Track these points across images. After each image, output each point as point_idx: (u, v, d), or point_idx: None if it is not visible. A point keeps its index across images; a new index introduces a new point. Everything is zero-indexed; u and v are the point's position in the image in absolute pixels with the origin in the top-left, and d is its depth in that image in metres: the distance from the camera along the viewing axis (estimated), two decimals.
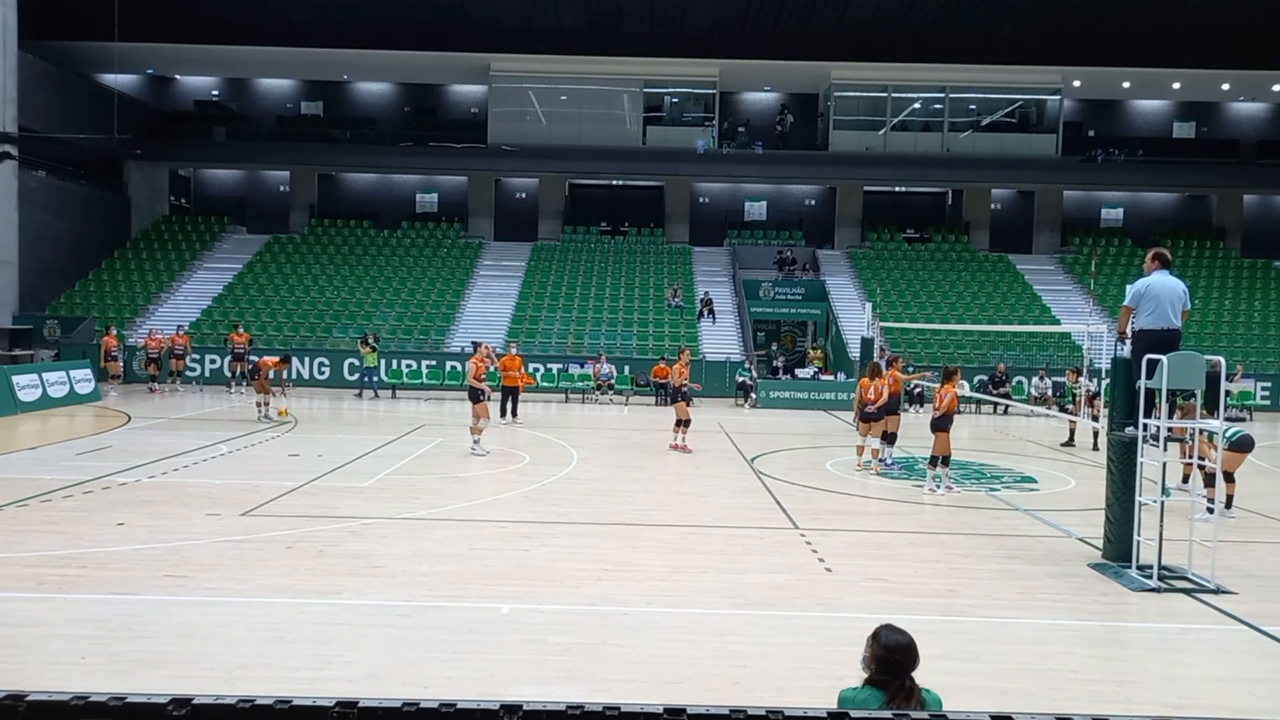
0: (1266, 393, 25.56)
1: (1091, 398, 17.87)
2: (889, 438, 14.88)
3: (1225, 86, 34.78)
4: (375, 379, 24.41)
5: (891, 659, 3.36)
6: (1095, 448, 17.65)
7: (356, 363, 26.14)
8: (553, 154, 34.10)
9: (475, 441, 14.97)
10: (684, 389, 15.83)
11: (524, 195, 37.23)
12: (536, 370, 25.84)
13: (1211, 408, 18.36)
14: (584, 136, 34.24)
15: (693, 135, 34.82)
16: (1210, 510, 10.29)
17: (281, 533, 9.33)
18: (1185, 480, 11.47)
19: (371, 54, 32.95)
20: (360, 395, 24.09)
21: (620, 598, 7.49)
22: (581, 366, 25.97)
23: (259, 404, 18.70)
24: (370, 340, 24.35)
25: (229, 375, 24.66)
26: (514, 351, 20.48)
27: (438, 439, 16.71)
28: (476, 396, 15.04)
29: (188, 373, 25.48)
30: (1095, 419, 15.77)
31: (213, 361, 25.91)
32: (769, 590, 7.83)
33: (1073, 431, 18.29)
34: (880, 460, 14.62)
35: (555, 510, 10.80)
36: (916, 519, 11.13)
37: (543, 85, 34.66)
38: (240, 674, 5.77)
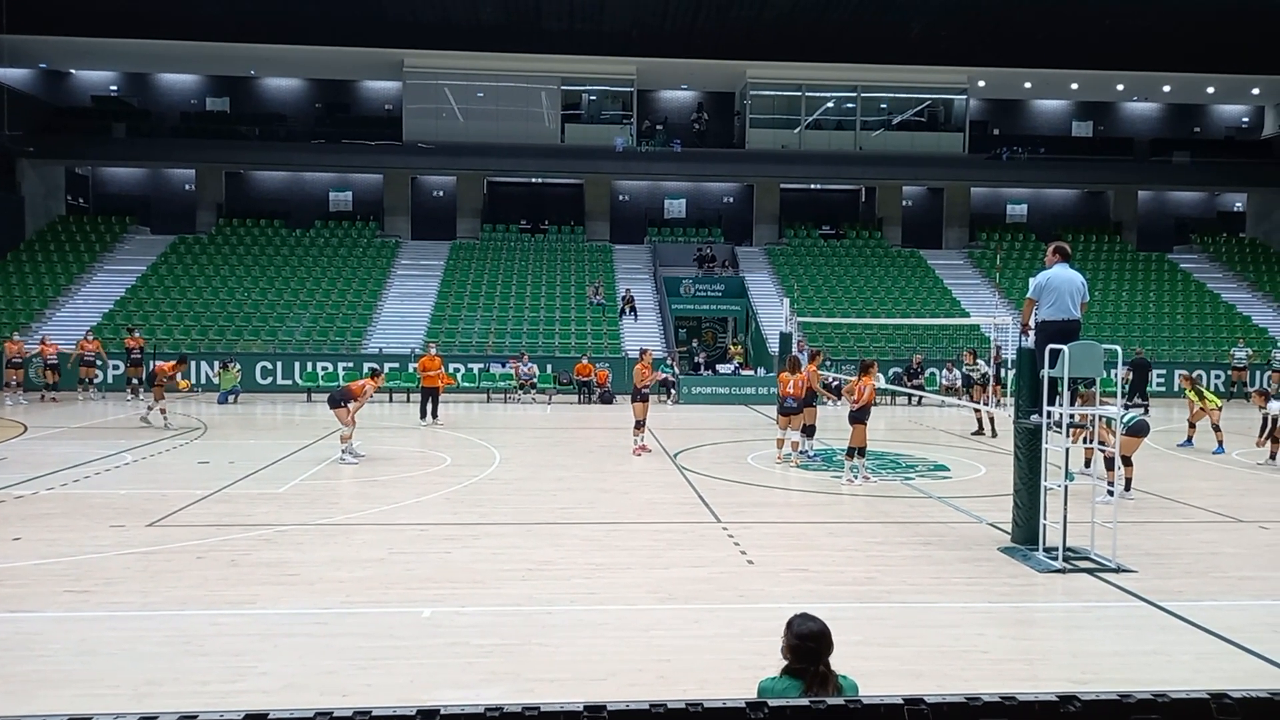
0: (1162, 379, 26.80)
1: (985, 384, 18.53)
2: (808, 430, 15.16)
3: (1120, 87, 36.35)
4: (236, 392, 23.56)
5: (804, 647, 3.43)
6: (980, 432, 18.26)
7: (270, 366, 25.47)
8: (470, 151, 33.71)
9: (345, 449, 14.15)
10: (641, 389, 15.58)
11: (441, 193, 36.72)
12: (457, 370, 25.52)
13: (1134, 392, 19.12)
14: (502, 134, 33.95)
15: (611, 133, 34.83)
16: (1110, 493, 10.76)
17: (191, 543, 9.03)
18: (1087, 464, 11.95)
19: (281, 49, 32.04)
20: (228, 402, 23.18)
21: (544, 597, 7.46)
22: (503, 366, 25.76)
23: (162, 410, 17.89)
24: (230, 366, 23.80)
25: (128, 381, 23.71)
26: (433, 352, 20.19)
27: (356, 442, 16.35)
28: (337, 402, 14.23)
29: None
30: (983, 404, 16.36)
31: (115, 368, 24.89)
32: (692, 584, 7.89)
33: (980, 421, 18.77)
34: (801, 453, 14.88)
35: (478, 511, 10.70)
36: (835, 509, 11.36)
37: (459, 82, 34.24)
38: (147, 690, 5.57)
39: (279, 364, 25.71)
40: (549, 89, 34.69)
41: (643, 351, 16.46)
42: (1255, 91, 36.74)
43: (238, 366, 24.17)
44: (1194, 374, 19.61)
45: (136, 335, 24.12)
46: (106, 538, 9.18)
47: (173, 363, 18.78)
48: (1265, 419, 14.79)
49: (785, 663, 3.52)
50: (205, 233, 33.81)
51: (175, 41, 31.35)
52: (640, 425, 15.45)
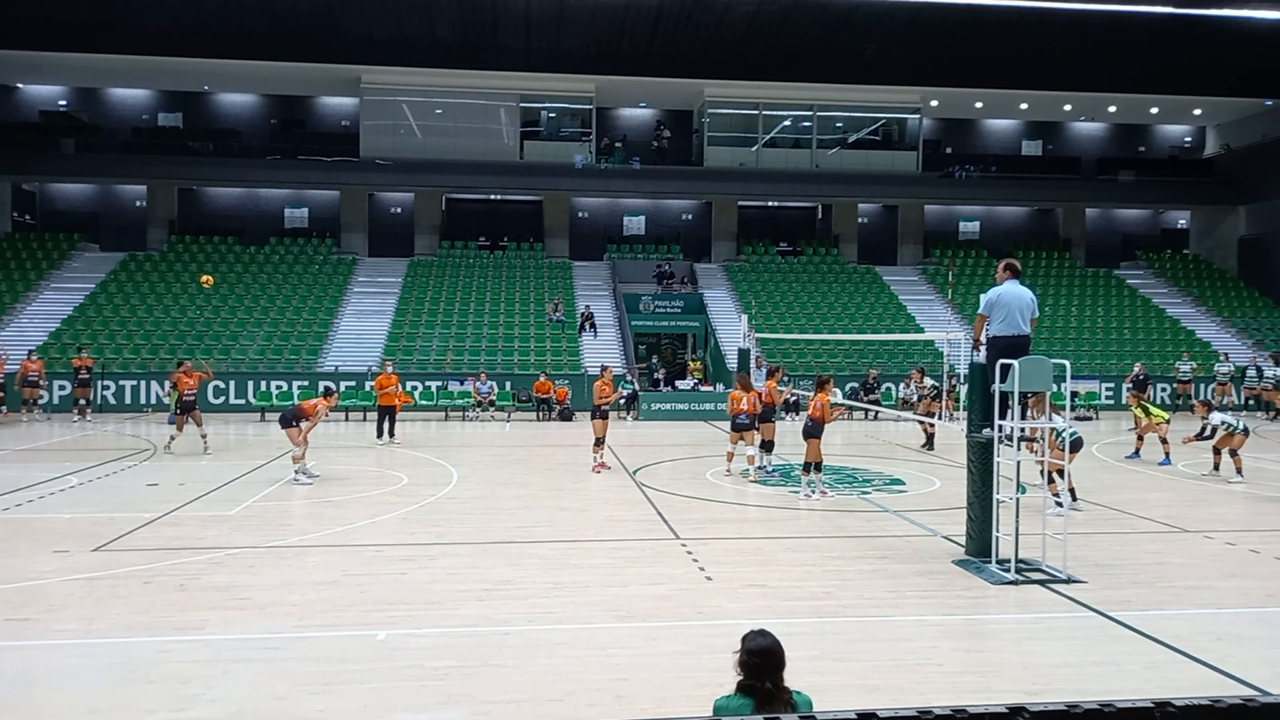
0: (1110, 393, 27.37)
1: (933, 399, 18.83)
2: (766, 446, 15.27)
3: (1067, 107, 37.23)
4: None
5: (753, 663, 3.45)
6: (928, 447, 18.51)
7: (222, 385, 25.03)
8: (428, 168, 33.55)
9: (298, 470, 13.90)
10: (602, 406, 15.46)
11: (399, 210, 36.47)
12: (414, 389, 25.29)
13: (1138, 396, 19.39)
14: (460, 150, 33.84)
15: (570, 150, 34.90)
16: (1059, 504, 10.97)
17: (138, 567, 8.82)
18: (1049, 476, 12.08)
19: (235, 64, 31.66)
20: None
21: (501, 617, 7.40)
22: (461, 383, 25.57)
23: (202, 435, 17.54)
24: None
25: (75, 402, 23.13)
26: (390, 370, 19.98)
27: (310, 462, 16.10)
28: (288, 421, 14.03)
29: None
30: (937, 417, 16.60)
31: (61, 388, 24.30)
32: (651, 601, 7.88)
33: (926, 434, 18.99)
34: (760, 468, 14.97)
35: (434, 531, 10.58)
36: (793, 524, 11.42)
37: (417, 98, 34.11)
38: (90, 719, 5.41)
39: (232, 383, 25.29)
40: (508, 106, 34.69)
41: (603, 368, 16.47)
42: (1197, 112, 37.85)
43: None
44: (1131, 385, 20.13)
45: (85, 355, 23.57)
46: (49, 563, 8.94)
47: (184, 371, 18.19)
48: (1204, 427, 15.16)
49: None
50: (156, 250, 33.21)
51: (126, 56, 30.85)
52: (600, 443, 15.40)
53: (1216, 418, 14.96)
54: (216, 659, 6.46)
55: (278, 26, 29.22)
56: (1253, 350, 30.23)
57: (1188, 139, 40.32)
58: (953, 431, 17.93)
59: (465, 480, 14.32)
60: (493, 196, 36.79)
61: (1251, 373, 27.26)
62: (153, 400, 24.72)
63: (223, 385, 25.14)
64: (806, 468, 12.90)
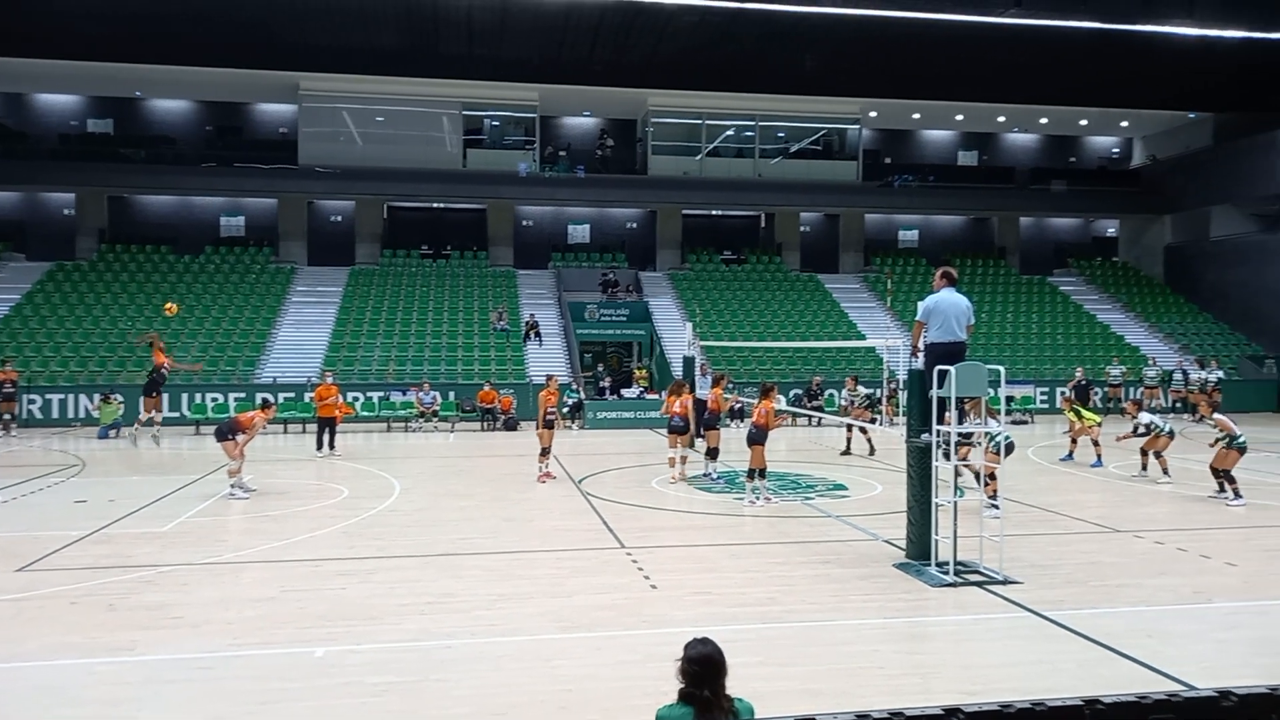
0: (1045, 397, 28.07)
1: (866, 406, 19.21)
2: (712, 453, 15.36)
3: (1001, 119, 38.19)
4: (118, 426, 22.34)
5: (693, 671, 3.46)
6: (846, 451, 18.86)
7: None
8: (369, 176, 33.13)
9: (234, 484, 13.57)
10: (548, 415, 15.33)
11: (339, 218, 35.93)
12: (355, 400, 24.90)
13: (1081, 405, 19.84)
14: (402, 158, 33.48)
15: (514, 158, 34.76)
16: (996, 505, 11.23)
17: (65, 587, 8.52)
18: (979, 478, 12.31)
19: (168, 69, 30.92)
20: (109, 437, 21.94)
21: (443, 631, 7.31)
22: (404, 394, 25.24)
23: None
24: (112, 399, 22.68)
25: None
26: (330, 381, 19.65)
27: (247, 475, 15.74)
28: (224, 434, 13.70)
29: None
30: (874, 423, 16.92)
31: None
32: (596, 611, 7.85)
33: (868, 442, 19.24)
34: (705, 474, 15.06)
35: (375, 545, 10.42)
36: (738, 531, 11.48)
37: (357, 105, 33.68)
38: None
39: (165, 396, 24.55)
40: (450, 114, 34.44)
41: (549, 378, 16.36)
42: (1124, 124, 39.13)
43: (120, 399, 23.02)
44: (1071, 391, 20.75)
45: (8, 368, 22.76)
46: None
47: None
48: (1135, 426, 15.63)
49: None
50: (86, 259, 32.22)
51: (53, 61, 29.93)
52: (546, 452, 15.32)
53: (1145, 417, 15.43)
54: (148, 680, 6.27)
55: (212, 32, 28.60)
56: (1179, 355, 31.30)
57: (1116, 150, 41.63)
58: (893, 436, 18.23)
59: (407, 492, 14.13)
60: (435, 205, 36.47)
61: (1178, 376, 28.21)
62: (81, 414, 23.96)
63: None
64: (751, 474, 12.99)
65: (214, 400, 24.41)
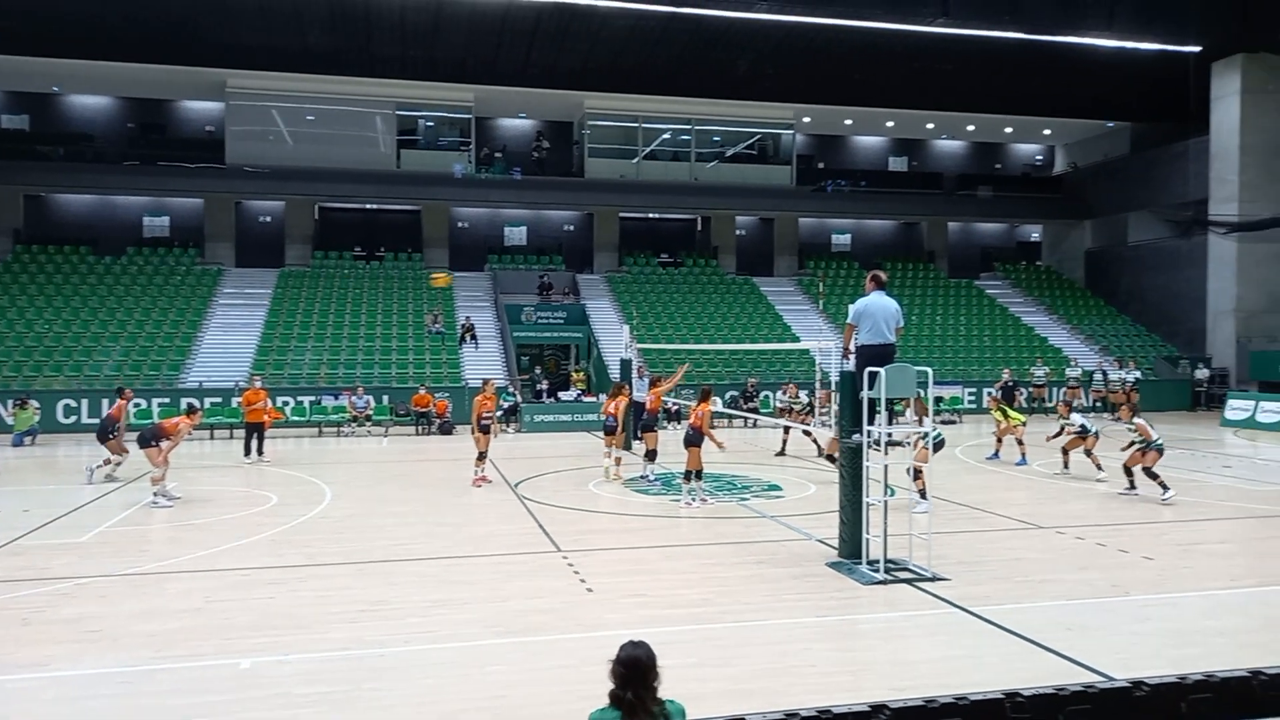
0: (972, 397, 28.79)
1: (804, 412, 19.57)
2: (650, 455, 15.37)
3: (930, 126, 39.10)
4: (34, 433, 21.52)
5: (620, 673, 3.49)
6: (830, 457, 19.11)
7: (74, 404, 23.55)
8: (300, 176, 32.47)
9: (157, 492, 13.18)
10: (483, 419, 15.12)
11: (269, 219, 35.14)
12: (285, 404, 24.37)
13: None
14: (334, 158, 32.91)
15: (449, 159, 34.43)
16: (924, 497, 11.57)
17: None
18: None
19: (88, 64, 29.88)
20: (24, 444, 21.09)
21: (376, 639, 7.19)
22: (336, 398, 24.80)
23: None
24: (28, 404, 21.83)
25: None
26: (258, 385, 19.20)
27: (171, 483, 15.30)
28: (147, 441, 13.35)
29: None
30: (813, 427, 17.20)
31: None
32: (531, 616, 7.81)
33: (815, 443, 19.55)
34: (642, 477, 15.10)
35: (305, 552, 10.21)
36: (674, 533, 11.53)
37: (287, 104, 32.99)
38: None
39: (84, 401, 23.79)
40: (384, 114, 33.96)
41: (485, 381, 16.19)
42: (1046, 132, 40.38)
43: (36, 405, 22.17)
44: (999, 392, 21.35)
45: None
46: None
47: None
48: (1062, 427, 16.13)
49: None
50: (0, 260, 31.01)
51: None
52: (482, 457, 15.19)
53: (1077, 419, 15.91)
54: (65, 697, 6.05)
55: (135, 27, 27.76)
56: (1099, 356, 32.40)
57: (1039, 158, 42.94)
58: (824, 438, 18.49)
59: (339, 498, 13.88)
60: (369, 206, 35.92)
61: (1099, 377, 29.19)
62: None
63: (74, 404, 23.69)
64: (687, 476, 13.07)
65: (136, 406, 23.64)
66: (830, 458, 12.17)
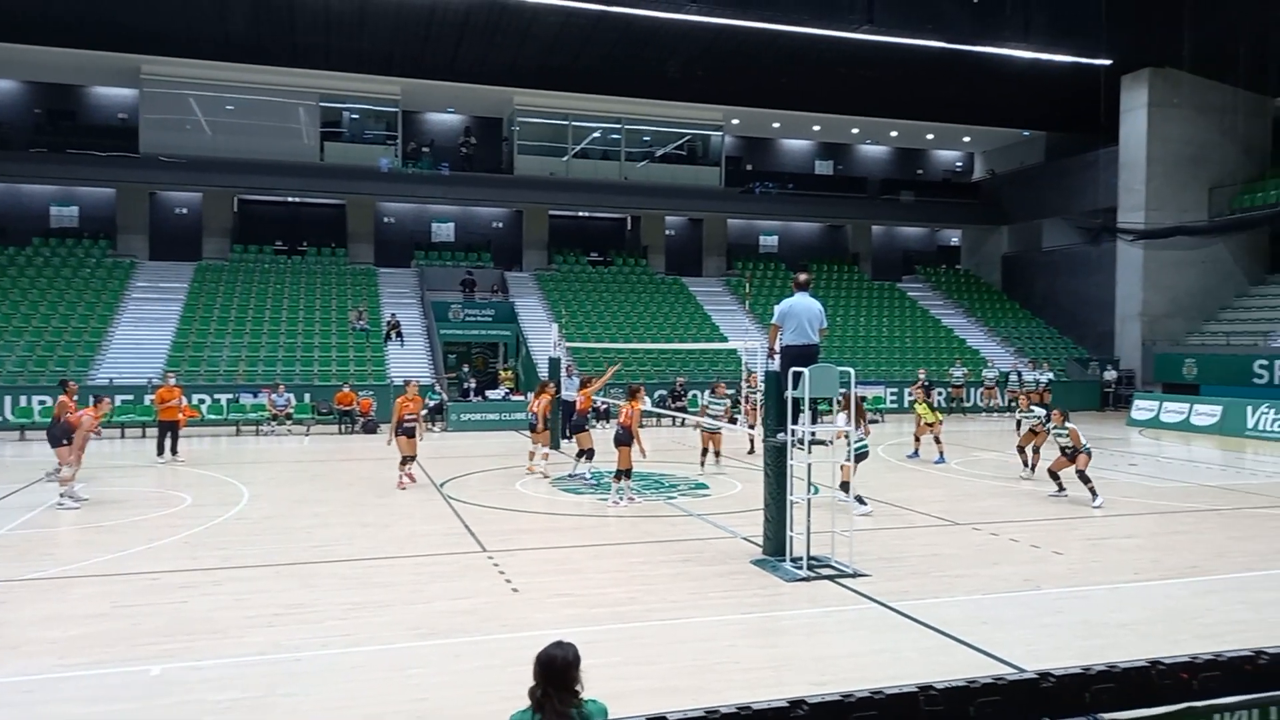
0: (894, 397, 29.46)
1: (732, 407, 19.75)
2: (586, 454, 15.20)
3: (854, 130, 39.86)
4: None
5: (538, 672, 3.52)
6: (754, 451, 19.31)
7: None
8: (218, 167, 31.50)
9: (64, 493, 12.71)
10: (406, 422, 14.61)
11: (185, 210, 34.01)
12: (202, 402, 23.64)
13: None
14: (255, 149, 32.02)
15: (375, 153, 33.81)
16: (862, 501, 11.85)
17: None
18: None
19: None
20: None
21: (293, 643, 7.02)
22: (255, 396, 24.14)
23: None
24: None
25: None
26: (172, 382, 18.58)
27: (79, 484, 14.69)
28: (58, 439, 12.92)
29: None
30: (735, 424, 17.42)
31: None
32: (455, 617, 7.72)
33: (750, 440, 19.68)
34: (577, 475, 15.03)
35: (220, 555, 9.91)
36: (601, 532, 11.53)
37: (206, 92, 31.98)
38: None
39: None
40: (307, 105, 33.18)
41: (407, 383, 15.63)
42: (966, 139, 41.54)
43: None
44: (927, 384, 21.88)
45: None
46: None
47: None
48: (1019, 421, 16.45)
49: None
50: None
51: None
52: (407, 461, 14.49)
53: (1039, 410, 16.11)
54: None
55: (44, 8, 26.57)
56: (1014, 357, 33.46)
57: (959, 164, 44.14)
58: (753, 435, 18.69)
59: (257, 499, 13.51)
60: (291, 199, 35.03)
61: (1014, 377, 30.13)
62: None
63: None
64: (618, 475, 13.06)
65: (40, 403, 22.67)
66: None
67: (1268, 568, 9.62)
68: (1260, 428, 22.70)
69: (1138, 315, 31.71)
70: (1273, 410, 22.67)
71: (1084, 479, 13.27)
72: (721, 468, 16.98)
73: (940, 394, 28.32)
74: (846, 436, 11.64)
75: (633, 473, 13.45)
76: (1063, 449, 13.79)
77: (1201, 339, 30.49)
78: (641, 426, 13.36)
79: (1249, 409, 23.26)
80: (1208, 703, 3.63)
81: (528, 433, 15.74)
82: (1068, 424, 13.79)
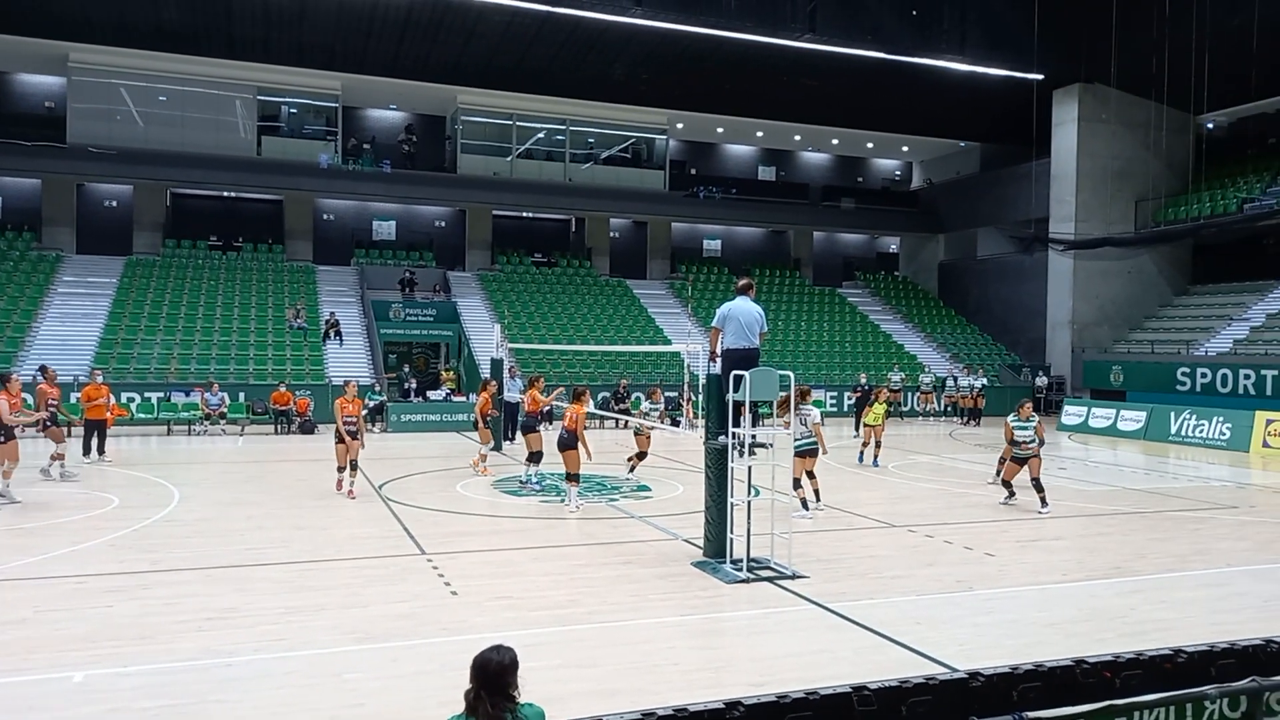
0: (834, 401, 29.89)
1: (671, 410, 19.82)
2: (534, 457, 14.92)
3: (797, 137, 40.38)
4: None
5: (473, 675, 3.54)
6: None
7: None
8: (150, 159, 30.64)
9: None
10: (348, 424, 14.17)
11: (114, 203, 33.02)
12: (131, 400, 22.98)
13: (857, 419, 20.63)
14: (189, 142, 31.23)
15: (314, 149, 33.22)
16: (805, 504, 12.03)
17: None
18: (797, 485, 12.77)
19: None
20: None
21: (225, 648, 6.86)
22: (187, 395, 23.54)
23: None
24: None
25: None
26: (99, 380, 18.02)
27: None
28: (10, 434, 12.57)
29: None
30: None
31: None
32: (392, 621, 7.62)
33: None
34: (524, 480, 14.80)
35: (149, 558, 9.64)
36: (542, 534, 11.49)
37: (138, 83, 31.09)
38: None
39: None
40: (244, 98, 32.47)
41: (346, 383, 14.92)
42: (905, 149, 42.36)
43: None
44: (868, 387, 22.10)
45: None
46: None
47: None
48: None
49: None
50: None
51: None
52: (344, 468, 13.68)
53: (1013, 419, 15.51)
54: None
55: None
56: (950, 363, 34.21)
57: (898, 173, 45.00)
58: (694, 438, 18.80)
59: (188, 500, 13.17)
60: (227, 194, 34.25)
61: (950, 383, 30.80)
62: None
63: None
64: (572, 479, 12.82)
65: None
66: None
67: (1187, 568, 9.99)
68: (1183, 433, 23.56)
69: (1068, 323, 32.66)
70: (1195, 416, 23.55)
71: (1038, 486, 13.17)
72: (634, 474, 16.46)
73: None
74: (788, 425, 11.46)
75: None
76: (1016, 441, 13.44)
77: (1128, 346, 31.54)
78: (586, 428, 13.24)
79: (1172, 415, 24.13)
80: (1129, 700, 3.76)
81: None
82: (1035, 416, 13.64)
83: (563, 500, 13.13)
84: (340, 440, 13.70)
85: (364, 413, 14.86)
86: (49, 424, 15.54)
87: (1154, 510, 13.71)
